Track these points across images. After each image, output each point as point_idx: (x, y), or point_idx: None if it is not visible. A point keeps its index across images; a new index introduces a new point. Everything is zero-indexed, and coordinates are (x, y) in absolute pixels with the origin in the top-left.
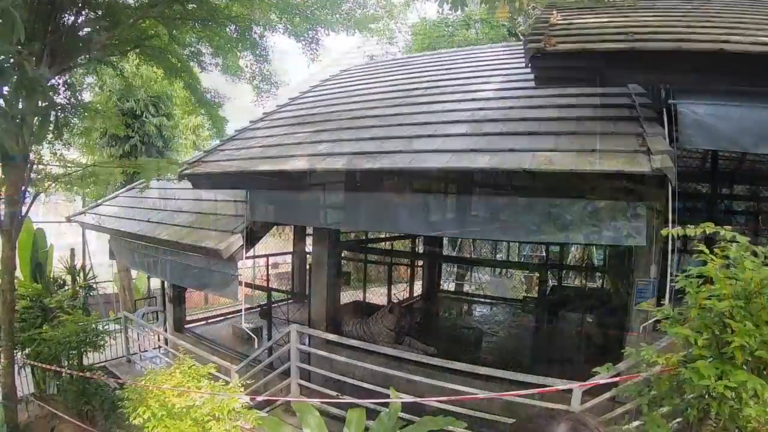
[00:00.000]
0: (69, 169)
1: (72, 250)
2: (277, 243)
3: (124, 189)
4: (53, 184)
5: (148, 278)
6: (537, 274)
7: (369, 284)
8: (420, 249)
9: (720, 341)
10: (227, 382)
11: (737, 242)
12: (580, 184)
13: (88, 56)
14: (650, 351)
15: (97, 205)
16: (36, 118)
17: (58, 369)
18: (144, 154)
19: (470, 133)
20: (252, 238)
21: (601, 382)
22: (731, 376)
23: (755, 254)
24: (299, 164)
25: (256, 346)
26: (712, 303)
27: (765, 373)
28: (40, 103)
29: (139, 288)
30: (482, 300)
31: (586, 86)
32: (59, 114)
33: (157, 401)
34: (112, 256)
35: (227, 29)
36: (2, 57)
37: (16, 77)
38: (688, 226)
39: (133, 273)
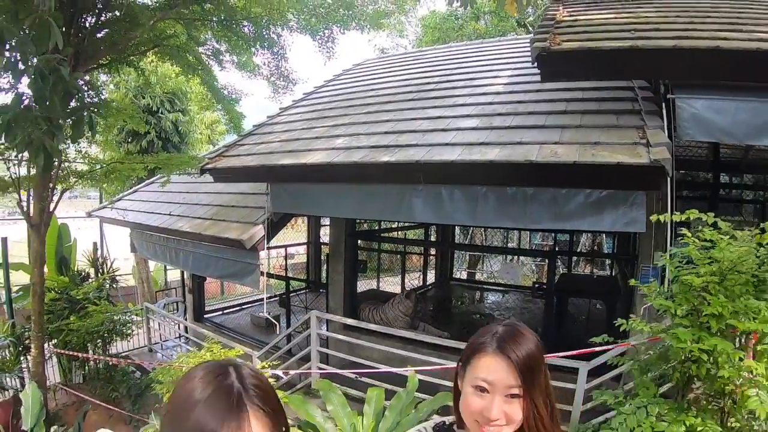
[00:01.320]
0: (93, 165)
1: (94, 244)
2: (289, 234)
3: (143, 184)
4: (79, 181)
5: (165, 271)
6: (546, 262)
7: (382, 274)
8: (432, 239)
9: (698, 312)
10: None
11: (719, 227)
12: (584, 174)
13: (109, 57)
14: (637, 321)
15: (118, 200)
16: (70, 118)
17: (89, 357)
18: (161, 149)
19: (480, 127)
20: (272, 229)
21: (603, 360)
22: (705, 341)
23: (734, 237)
24: (319, 158)
25: (277, 332)
26: (691, 279)
27: (737, 340)
28: (73, 104)
29: (157, 280)
30: (493, 287)
31: (592, 81)
32: (93, 114)
33: None
34: (133, 249)
35: (245, 29)
36: (42, 63)
37: (53, 81)
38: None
39: (151, 266)
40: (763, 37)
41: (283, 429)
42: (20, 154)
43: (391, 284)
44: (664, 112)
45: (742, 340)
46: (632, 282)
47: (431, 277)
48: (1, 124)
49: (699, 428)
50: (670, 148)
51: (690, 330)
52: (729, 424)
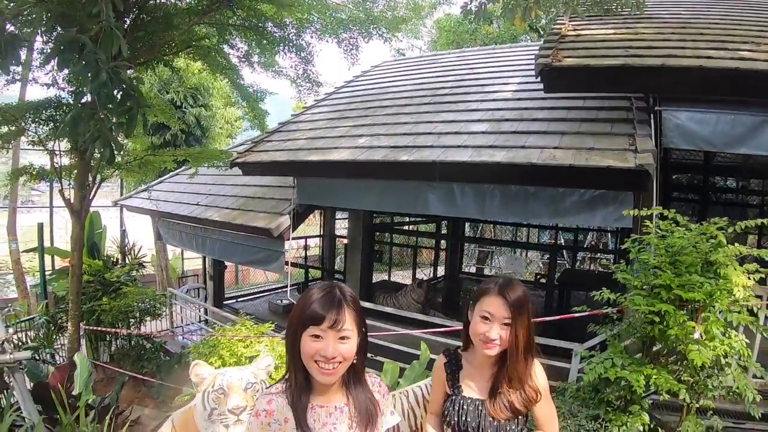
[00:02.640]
0: (129, 157)
1: (123, 231)
2: (301, 229)
3: (169, 175)
4: (116, 171)
5: (182, 260)
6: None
7: (394, 268)
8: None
9: (652, 285)
10: None
11: (677, 221)
12: (579, 175)
13: (147, 58)
14: (607, 292)
15: (144, 190)
16: (125, 116)
17: (126, 331)
18: (183, 143)
19: (490, 131)
20: (297, 219)
21: (594, 342)
22: (656, 306)
23: (689, 229)
24: (343, 155)
25: None
26: (647, 258)
27: (682, 307)
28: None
29: (176, 269)
30: None
31: (592, 92)
32: (145, 112)
33: (228, 351)
34: (158, 237)
35: (275, 34)
36: (110, 68)
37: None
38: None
39: (169, 255)
40: (745, 56)
41: (363, 329)
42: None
43: (402, 278)
44: (652, 122)
45: (693, 312)
46: (613, 268)
47: (441, 271)
48: (68, 121)
49: (654, 377)
50: (655, 155)
51: (645, 298)
52: (682, 378)
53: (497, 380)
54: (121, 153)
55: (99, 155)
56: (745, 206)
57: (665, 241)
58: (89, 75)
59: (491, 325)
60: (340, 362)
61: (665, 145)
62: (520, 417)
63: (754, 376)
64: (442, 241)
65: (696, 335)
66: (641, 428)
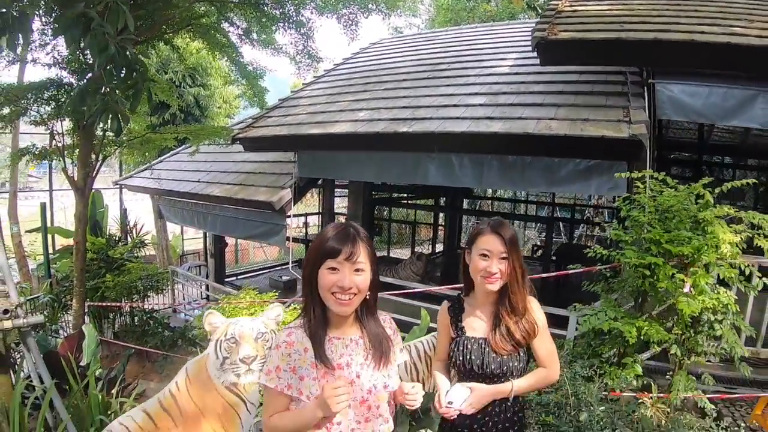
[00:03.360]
0: (131, 135)
1: (124, 210)
2: (300, 208)
3: (169, 154)
4: (118, 149)
5: (182, 240)
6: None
7: (393, 246)
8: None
9: (643, 240)
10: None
11: (667, 182)
12: (574, 145)
13: (147, 36)
14: (599, 248)
15: (144, 169)
16: (130, 90)
17: (131, 304)
18: (182, 122)
19: (487, 104)
20: (298, 193)
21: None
22: (645, 259)
23: (677, 189)
24: (344, 128)
25: (299, 287)
26: (638, 215)
27: (669, 260)
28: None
29: (176, 248)
30: None
31: (587, 65)
32: (149, 87)
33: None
34: (160, 216)
35: (276, 11)
36: (117, 42)
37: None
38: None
39: (169, 236)
40: (737, 31)
41: (375, 267)
42: (70, 123)
43: (401, 255)
44: (646, 95)
45: (683, 269)
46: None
47: (440, 248)
48: (76, 95)
49: (646, 328)
50: (648, 126)
51: (636, 253)
52: (672, 332)
53: (498, 313)
54: (126, 127)
55: (106, 128)
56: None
57: (655, 201)
58: (97, 49)
59: (490, 260)
60: (356, 293)
61: (659, 117)
62: (521, 354)
63: (746, 344)
64: (441, 219)
65: (686, 289)
66: (634, 382)
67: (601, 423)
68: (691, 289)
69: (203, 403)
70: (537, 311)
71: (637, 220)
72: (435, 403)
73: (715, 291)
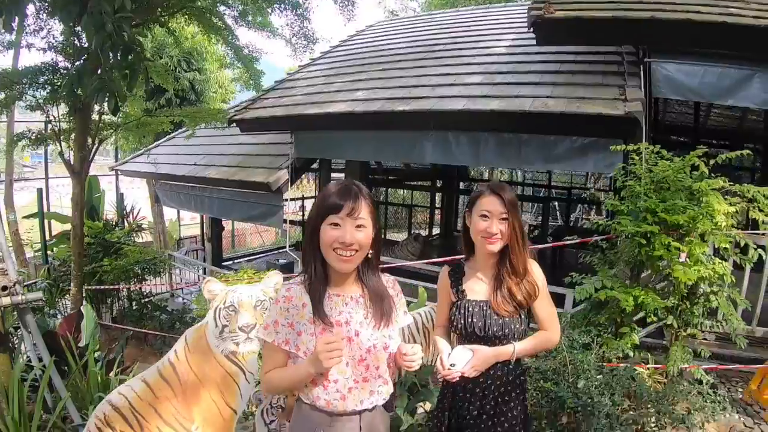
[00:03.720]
0: (127, 119)
1: (121, 195)
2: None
3: (165, 138)
4: (114, 132)
5: (179, 225)
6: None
7: (390, 230)
8: (438, 197)
9: (639, 209)
10: None
11: (662, 155)
12: (570, 123)
13: (143, 18)
14: (596, 218)
15: (141, 154)
16: (127, 70)
17: (130, 286)
18: (177, 107)
19: (484, 83)
20: (295, 174)
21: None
22: (641, 227)
23: (672, 161)
24: (341, 108)
25: (296, 270)
26: (634, 185)
27: (668, 234)
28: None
29: (172, 234)
30: None
31: (584, 44)
32: (146, 67)
33: None
34: (157, 200)
35: None
36: (115, 21)
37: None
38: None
39: (166, 222)
40: (733, 12)
41: (378, 225)
42: (66, 108)
43: (398, 239)
44: (642, 74)
45: (679, 239)
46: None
47: (436, 231)
48: (73, 75)
49: (642, 297)
50: (644, 104)
51: (632, 222)
52: (668, 301)
53: (500, 275)
54: (123, 105)
55: (102, 110)
56: (738, 168)
57: (651, 173)
58: (94, 28)
59: (490, 221)
60: (357, 250)
61: (654, 95)
62: (522, 316)
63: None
64: (437, 203)
65: (681, 258)
66: (631, 353)
67: (600, 389)
68: (687, 258)
69: (202, 372)
70: (537, 273)
71: (633, 189)
72: (437, 366)
73: (711, 262)
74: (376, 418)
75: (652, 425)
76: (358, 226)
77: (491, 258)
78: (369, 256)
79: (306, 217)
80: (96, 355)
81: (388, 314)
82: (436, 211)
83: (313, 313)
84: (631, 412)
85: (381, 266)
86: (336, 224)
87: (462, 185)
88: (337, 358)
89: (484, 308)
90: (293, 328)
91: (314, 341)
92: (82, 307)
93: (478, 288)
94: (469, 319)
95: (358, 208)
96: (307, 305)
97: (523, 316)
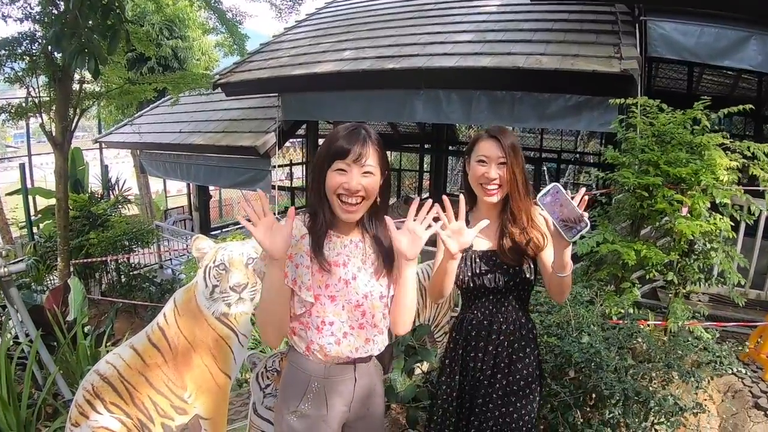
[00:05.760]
0: (108, 87)
1: (106, 167)
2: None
3: (148, 108)
4: (95, 101)
5: (165, 196)
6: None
7: None
8: (428, 162)
9: (640, 161)
10: None
11: (662, 108)
12: (564, 81)
13: None
14: (594, 171)
15: (124, 125)
16: (107, 33)
17: (119, 257)
18: (161, 75)
19: (475, 41)
20: (283, 137)
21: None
22: (643, 179)
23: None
24: (328, 68)
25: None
26: (635, 138)
27: (669, 188)
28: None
29: (159, 205)
30: None
31: (577, 4)
32: (127, 29)
33: None
34: (142, 171)
35: None
36: None
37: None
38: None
39: (152, 194)
40: None
41: (387, 172)
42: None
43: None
44: (637, 33)
45: (681, 193)
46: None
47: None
48: (51, 37)
49: (644, 251)
50: (640, 62)
51: (634, 174)
52: (669, 256)
53: (503, 224)
54: (104, 68)
55: (83, 79)
56: (733, 135)
57: (652, 126)
58: None
59: (488, 166)
60: (363, 197)
61: (650, 54)
62: (531, 265)
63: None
64: (426, 167)
65: (683, 211)
66: (631, 310)
67: (605, 343)
68: (689, 212)
69: (193, 336)
70: (542, 222)
71: (633, 142)
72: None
73: (712, 216)
74: (371, 370)
75: (660, 379)
76: (365, 173)
77: (493, 208)
78: (377, 202)
79: (292, 183)
80: (86, 329)
81: (389, 263)
82: (425, 175)
83: (311, 251)
84: (640, 365)
85: None
86: (342, 170)
87: (450, 148)
88: (268, 218)
89: (492, 257)
90: (292, 261)
91: (309, 275)
92: (69, 280)
93: (482, 238)
94: (477, 270)
95: (365, 155)
96: (305, 238)
97: (531, 265)
